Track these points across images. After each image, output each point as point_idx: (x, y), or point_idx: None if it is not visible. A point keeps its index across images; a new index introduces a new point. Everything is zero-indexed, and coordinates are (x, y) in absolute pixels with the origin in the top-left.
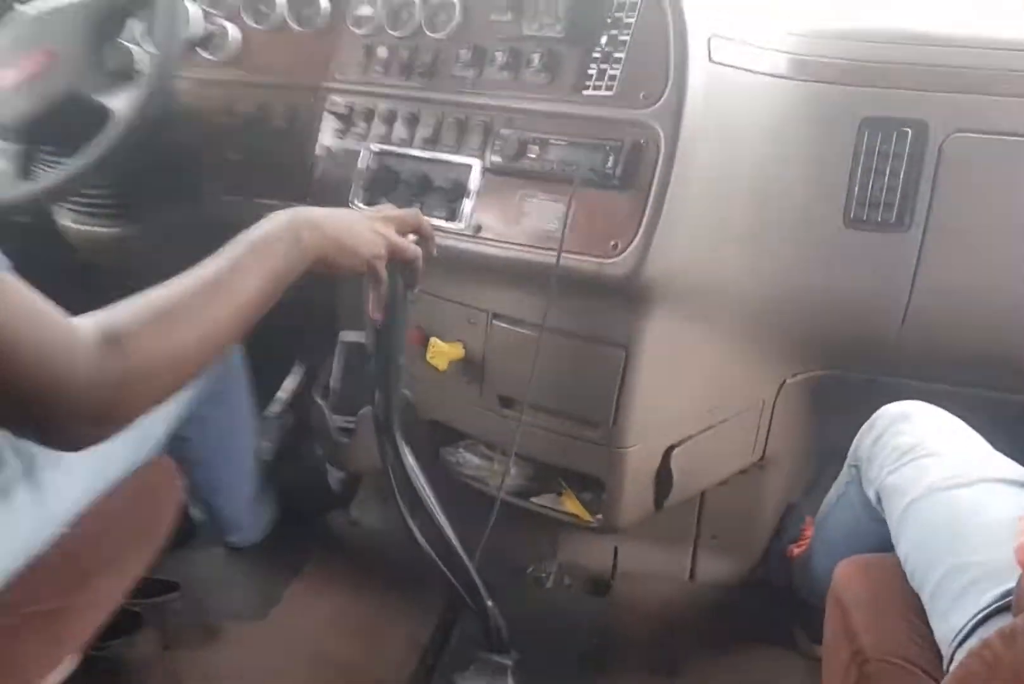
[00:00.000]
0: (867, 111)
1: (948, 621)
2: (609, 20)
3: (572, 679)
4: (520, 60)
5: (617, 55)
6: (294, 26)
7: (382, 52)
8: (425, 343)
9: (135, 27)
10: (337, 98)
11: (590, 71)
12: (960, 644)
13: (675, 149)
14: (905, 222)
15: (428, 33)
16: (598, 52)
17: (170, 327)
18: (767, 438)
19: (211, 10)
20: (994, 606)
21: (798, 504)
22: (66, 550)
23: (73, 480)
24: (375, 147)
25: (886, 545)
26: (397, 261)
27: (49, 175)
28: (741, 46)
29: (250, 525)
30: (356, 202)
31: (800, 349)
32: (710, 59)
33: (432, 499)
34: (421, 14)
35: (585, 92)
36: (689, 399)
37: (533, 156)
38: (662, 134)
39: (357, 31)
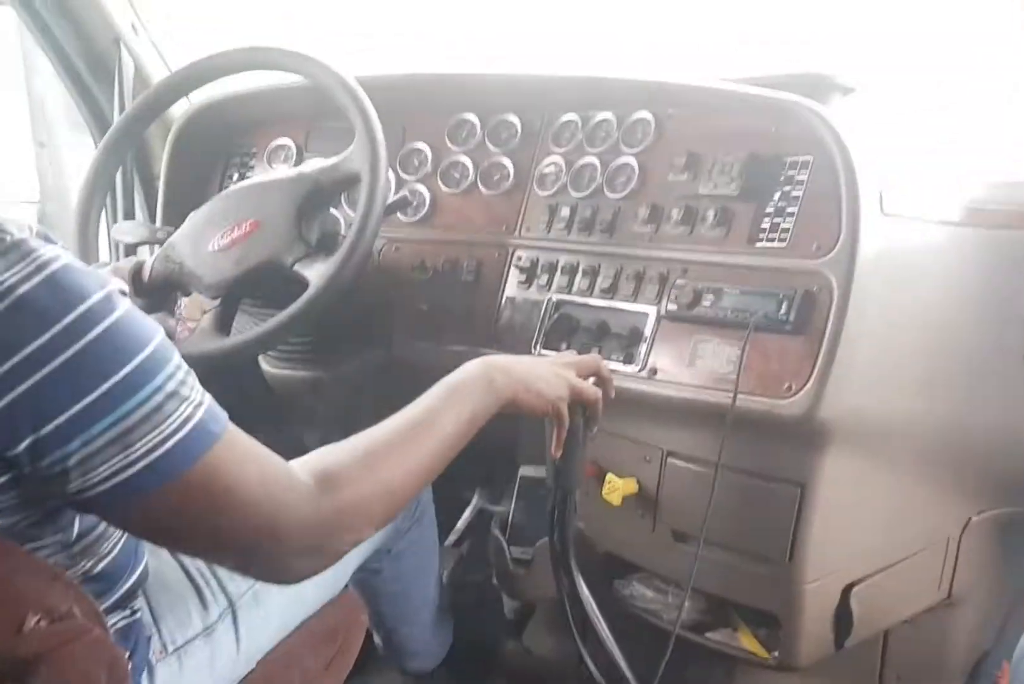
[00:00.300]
0: None
1: None
2: (782, 177)
3: None
4: (695, 216)
5: (790, 210)
6: (482, 189)
7: (565, 211)
8: (601, 478)
9: (340, 198)
10: (522, 253)
11: (763, 225)
12: None
13: (848, 297)
14: None
15: (608, 194)
16: (771, 207)
17: (379, 466)
18: (953, 576)
19: (405, 175)
20: None
21: (994, 648)
22: None
23: (270, 618)
24: (556, 297)
25: None
26: (578, 402)
27: (245, 333)
28: (913, 197)
29: (428, 652)
30: (539, 348)
31: (985, 486)
32: (882, 211)
33: (606, 631)
34: (601, 177)
35: (758, 244)
36: (868, 537)
37: (707, 304)
38: (835, 283)
39: (541, 193)
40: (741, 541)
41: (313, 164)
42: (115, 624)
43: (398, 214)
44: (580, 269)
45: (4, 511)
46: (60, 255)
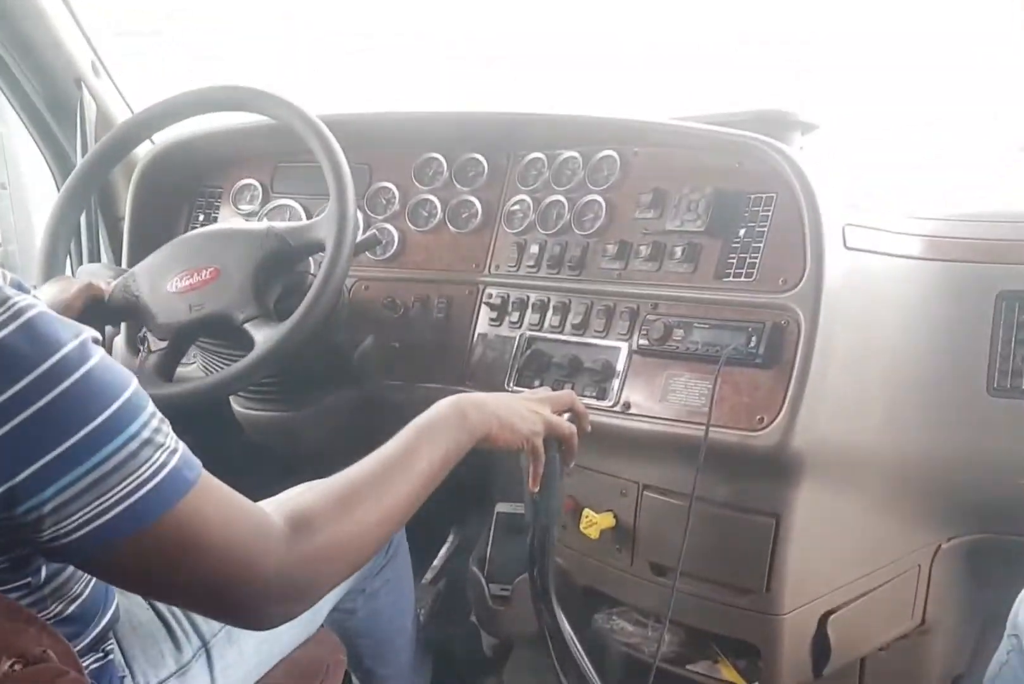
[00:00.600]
0: (1002, 285)
1: None
2: (747, 214)
3: None
4: (663, 252)
5: (755, 245)
6: (451, 227)
7: (534, 249)
8: (579, 513)
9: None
10: (492, 290)
11: (730, 260)
12: None
13: (815, 329)
14: None
15: (576, 231)
16: (737, 242)
17: (355, 508)
18: (926, 603)
19: (374, 215)
20: None
21: (964, 674)
22: None
23: (245, 658)
24: (528, 333)
25: None
26: (553, 437)
27: (183, 385)
28: (874, 232)
29: None
30: (512, 385)
31: (953, 513)
32: (845, 246)
33: (588, 665)
34: (569, 214)
35: (726, 279)
36: (842, 565)
37: (678, 338)
38: (802, 315)
39: (509, 230)
40: (718, 573)
41: (283, 225)
42: (88, 666)
43: (367, 253)
44: (551, 305)
45: None
46: (35, 303)
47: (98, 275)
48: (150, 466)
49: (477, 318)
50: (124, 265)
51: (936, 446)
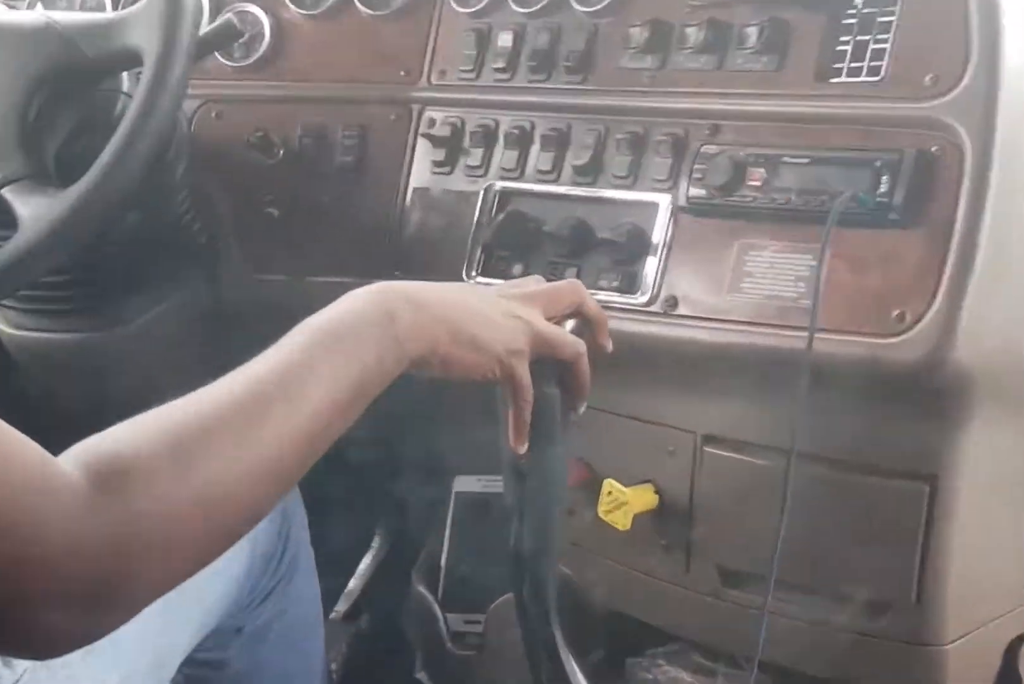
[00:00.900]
0: None
1: None
2: None
3: None
4: (727, 37)
5: (884, 21)
6: (360, 8)
7: (503, 39)
8: (596, 487)
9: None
10: (435, 114)
11: (842, 47)
12: None
13: (990, 159)
14: None
15: (576, 6)
16: (852, 16)
17: (197, 458)
18: None
19: None
20: None
21: None
22: None
23: None
24: (499, 185)
25: None
26: (548, 361)
27: None
28: None
29: None
30: (474, 273)
31: None
32: None
33: None
34: None
35: (835, 79)
36: None
37: (756, 183)
38: (966, 138)
39: (461, 9)
40: (835, 581)
41: (73, 18)
42: None
43: (219, 55)
44: (536, 136)
45: None
46: None
47: None
48: None
49: (411, 162)
50: None
51: None
